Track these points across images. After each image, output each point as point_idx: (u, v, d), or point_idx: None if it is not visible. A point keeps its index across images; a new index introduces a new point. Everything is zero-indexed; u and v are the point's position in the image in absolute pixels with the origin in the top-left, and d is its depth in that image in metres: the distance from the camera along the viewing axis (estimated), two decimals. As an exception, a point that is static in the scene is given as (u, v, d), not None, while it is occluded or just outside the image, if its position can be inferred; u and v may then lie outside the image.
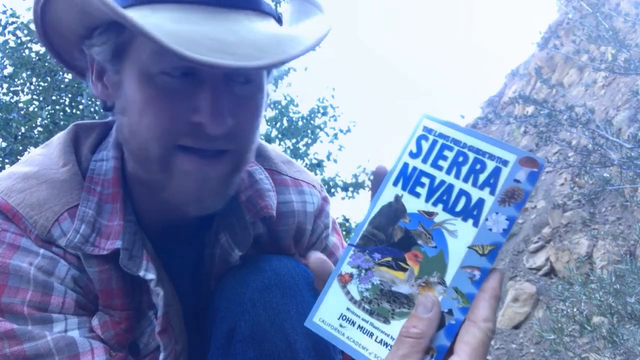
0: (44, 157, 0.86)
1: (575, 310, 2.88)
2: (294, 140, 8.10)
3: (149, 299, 0.86)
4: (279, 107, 8.22)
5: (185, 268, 0.94)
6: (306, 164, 7.99)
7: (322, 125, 8.21)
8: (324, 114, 8.23)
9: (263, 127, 8.15)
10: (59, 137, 0.90)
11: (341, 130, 8.26)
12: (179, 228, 0.92)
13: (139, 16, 0.68)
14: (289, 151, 7.96)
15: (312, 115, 8.22)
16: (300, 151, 8.04)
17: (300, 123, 8.16)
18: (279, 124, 8.17)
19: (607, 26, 3.35)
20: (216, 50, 0.65)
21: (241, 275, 0.89)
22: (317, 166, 7.98)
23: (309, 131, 8.12)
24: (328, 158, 8.10)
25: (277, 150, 1.07)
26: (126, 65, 0.77)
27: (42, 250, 0.79)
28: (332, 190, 7.92)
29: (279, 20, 0.83)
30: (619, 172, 3.25)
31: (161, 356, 0.84)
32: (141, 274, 0.81)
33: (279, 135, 8.08)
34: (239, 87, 0.77)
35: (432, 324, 0.52)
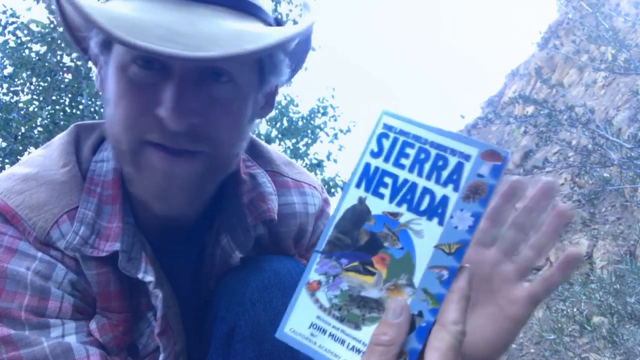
0: (44, 158, 0.86)
1: (575, 310, 2.87)
2: (294, 140, 8.10)
3: (147, 301, 0.85)
4: (279, 107, 8.22)
5: (185, 268, 0.94)
6: (306, 164, 7.99)
7: (322, 125, 8.22)
8: (324, 114, 8.24)
9: (263, 127, 8.15)
10: (60, 138, 0.90)
11: (341, 130, 8.26)
12: (178, 229, 0.92)
13: (111, 5, 0.68)
14: (289, 151, 7.96)
15: (312, 115, 8.23)
16: (300, 151, 8.04)
17: (300, 123, 8.16)
18: (279, 124, 8.17)
19: (607, 26, 3.35)
20: (164, 39, 0.63)
21: (241, 275, 0.89)
22: (317, 166, 7.98)
23: (309, 131, 8.12)
24: (328, 158, 8.10)
25: (277, 151, 1.07)
26: (111, 56, 0.77)
27: (39, 254, 0.78)
28: (332, 190, 7.92)
29: (269, 23, 0.80)
30: (619, 172, 3.25)
31: (161, 357, 0.84)
32: (140, 276, 0.81)
33: (279, 135, 8.08)
34: (217, 87, 0.75)
35: (402, 330, 0.51)
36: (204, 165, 0.78)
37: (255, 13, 0.77)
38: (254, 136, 1.05)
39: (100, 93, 0.85)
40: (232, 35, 0.68)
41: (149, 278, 0.81)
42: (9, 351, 0.72)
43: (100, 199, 0.83)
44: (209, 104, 0.74)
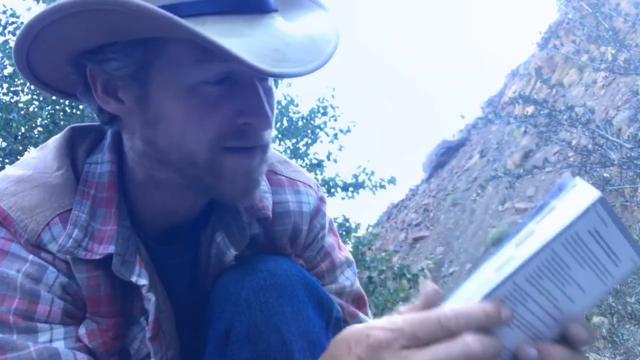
0: (39, 160, 0.86)
1: (575, 310, 2.87)
2: (294, 140, 8.10)
3: (140, 305, 0.85)
4: (279, 107, 8.22)
5: (181, 269, 0.94)
6: (306, 164, 7.99)
7: (322, 125, 8.21)
8: (324, 114, 8.23)
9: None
10: (55, 140, 0.89)
11: (341, 130, 8.26)
12: (177, 230, 0.92)
13: (209, 29, 0.70)
14: (289, 151, 7.96)
15: (312, 115, 8.22)
16: (300, 151, 8.04)
17: (300, 123, 8.16)
18: (279, 124, 8.17)
19: (607, 26, 3.35)
20: (276, 60, 0.70)
21: (237, 276, 0.89)
22: (317, 166, 7.97)
23: (309, 131, 8.12)
24: (328, 158, 8.09)
25: (273, 149, 1.07)
26: (154, 78, 0.75)
27: (30, 256, 0.78)
28: (332, 190, 7.92)
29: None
30: (619, 172, 3.25)
31: None
32: (133, 279, 0.81)
33: (279, 135, 8.08)
34: (265, 84, 0.81)
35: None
36: (263, 153, 0.84)
37: (275, 8, 0.80)
38: None
39: (115, 114, 0.82)
40: (308, 41, 0.76)
41: (143, 281, 0.81)
42: None
43: (94, 201, 0.83)
44: (269, 101, 0.81)
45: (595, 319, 2.91)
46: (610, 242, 0.53)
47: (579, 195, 0.53)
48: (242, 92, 0.77)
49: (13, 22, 5.71)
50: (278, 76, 0.70)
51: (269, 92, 0.81)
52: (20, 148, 5.33)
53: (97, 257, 0.79)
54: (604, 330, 2.54)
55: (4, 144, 5.37)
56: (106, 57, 0.75)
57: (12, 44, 5.67)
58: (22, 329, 0.74)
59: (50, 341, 0.76)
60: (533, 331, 0.55)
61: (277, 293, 0.85)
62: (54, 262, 0.79)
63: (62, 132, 0.90)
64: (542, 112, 3.61)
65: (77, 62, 0.78)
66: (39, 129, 5.53)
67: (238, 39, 0.70)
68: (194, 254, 0.94)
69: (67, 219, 0.80)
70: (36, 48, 0.76)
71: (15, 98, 5.81)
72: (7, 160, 5.28)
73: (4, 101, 5.66)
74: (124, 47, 0.74)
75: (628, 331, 2.43)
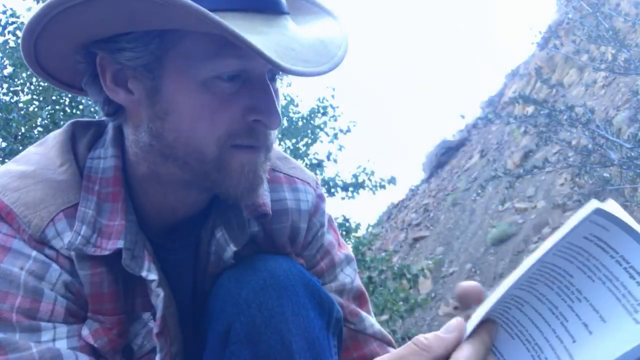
0: (41, 156, 0.85)
1: (575, 310, 2.87)
2: (294, 140, 8.10)
3: (143, 302, 0.85)
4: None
5: (182, 265, 0.94)
6: (306, 164, 7.99)
7: (322, 125, 8.21)
8: (324, 114, 8.23)
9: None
10: (56, 136, 0.89)
11: (341, 130, 8.25)
12: (179, 226, 0.92)
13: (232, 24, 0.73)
14: (289, 151, 7.95)
15: (312, 115, 8.22)
16: (300, 151, 8.04)
17: (300, 123, 8.16)
18: (279, 124, 8.15)
19: (607, 26, 3.35)
20: (293, 58, 0.71)
21: (236, 275, 0.89)
22: (317, 166, 7.97)
23: (309, 131, 8.11)
24: (328, 158, 8.09)
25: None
26: (167, 70, 0.76)
27: (34, 253, 0.77)
28: (332, 190, 7.91)
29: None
30: (619, 172, 3.25)
31: (157, 358, 0.83)
32: (143, 274, 0.80)
33: (279, 135, 8.08)
34: (274, 85, 0.82)
35: (443, 343, 0.50)
36: (266, 156, 0.85)
37: (288, 11, 0.82)
38: None
39: (121, 104, 0.81)
40: (320, 44, 0.77)
41: (152, 276, 0.81)
42: None
43: (99, 197, 0.82)
44: (277, 102, 0.82)
45: (595, 319, 2.89)
46: (618, 247, 0.47)
47: (579, 213, 0.48)
48: (253, 90, 0.78)
49: (13, 22, 5.70)
50: (295, 73, 0.71)
51: (277, 93, 0.82)
52: (20, 148, 5.32)
53: (106, 252, 0.79)
54: (604, 331, 2.53)
55: (4, 144, 5.37)
56: (120, 47, 0.75)
57: (12, 44, 5.69)
58: (24, 328, 0.74)
59: (53, 340, 0.75)
60: (539, 354, 0.51)
61: (277, 293, 0.85)
62: (57, 259, 0.78)
63: (64, 127, 0.90)
64: (542, 112, 3.62)
65: (88, 50, 0.78)
66: (39, 129, 5.52)
67: (257, 35, 0.70)
68: (195, 250, 0.94)
69: (72, 214, 0.80)
70: (46, 34, 0.75)
71: (15, 98, 5.81)
72: (7, 161, 5.28)
73: (4, 101, 5.65)
74: (141, 37, 0.74)
75: (628, 331, 2.42)
